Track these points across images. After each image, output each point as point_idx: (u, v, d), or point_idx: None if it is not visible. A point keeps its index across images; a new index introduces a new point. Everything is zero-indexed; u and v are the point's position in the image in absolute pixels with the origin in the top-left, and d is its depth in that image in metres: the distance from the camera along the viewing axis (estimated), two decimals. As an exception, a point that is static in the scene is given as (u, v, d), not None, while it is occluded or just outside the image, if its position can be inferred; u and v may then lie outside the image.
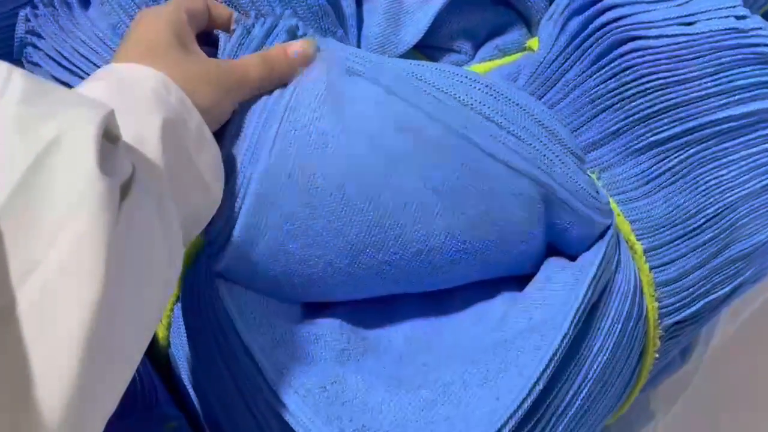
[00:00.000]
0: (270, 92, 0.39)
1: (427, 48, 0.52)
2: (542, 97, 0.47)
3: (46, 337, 0.22)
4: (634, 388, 0.49)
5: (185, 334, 0.44)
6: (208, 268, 0.41)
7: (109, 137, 0.26)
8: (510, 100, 0.42)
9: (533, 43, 0.51)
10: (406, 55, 0.51)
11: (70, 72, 0.44)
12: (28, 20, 0.45)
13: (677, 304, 0.47)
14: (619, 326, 0.42)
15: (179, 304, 0.45)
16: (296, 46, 0.39)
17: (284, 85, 0.39)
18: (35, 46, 0.45)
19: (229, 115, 0.38)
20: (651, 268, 0.45)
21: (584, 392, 0.40)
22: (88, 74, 0.41)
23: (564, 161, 0.43)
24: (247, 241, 0.39)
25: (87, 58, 0.43)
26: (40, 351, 0.22)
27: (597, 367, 0.41)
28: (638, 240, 0.45)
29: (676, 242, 0.46)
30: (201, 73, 0.35)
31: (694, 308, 0.48)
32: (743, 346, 0.75)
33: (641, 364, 0.47)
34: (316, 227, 0.38)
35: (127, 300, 0.25)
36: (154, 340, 0.46)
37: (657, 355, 0.48)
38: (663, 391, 0.67)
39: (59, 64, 0.44)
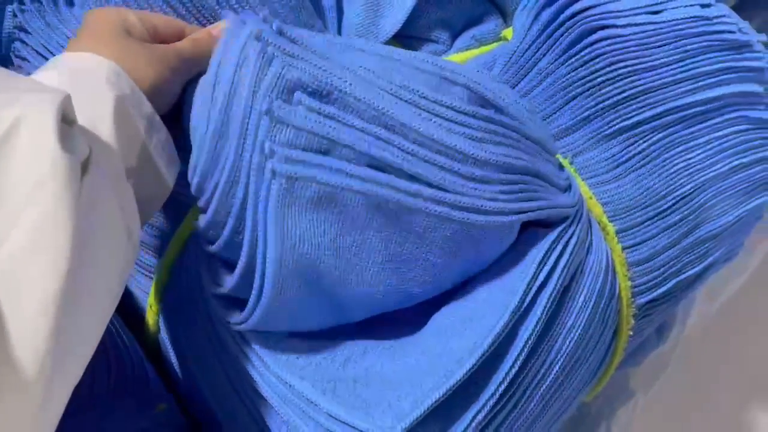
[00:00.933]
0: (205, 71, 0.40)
1: (406, 38, 0.53)
2: (516, 85, 0.48)
3: (16, 307, 0.23)
4: (609, 364, 0.50)
5: (175, 320, 0.46)
6: (197, 257, 0.42)
7: (66, 121, 0.27)
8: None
9: (508, 32, 0.53)
10: (385, 44, 0.51)
11: (58, 67, 0.44)
12: (15, 15, 0.46)
13: (649, 283, 0.48)
14: (591, 304, 0.43)
15: (169, 290, 0.46)
16: (219, 27, 0.41)
17: None
18: (23, 42, 0.46)
19: (177, 96, 0.39)
20: (623, 249, 0.47)
21: (557, 367, 0.42)
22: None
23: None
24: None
25: (73, 54, 0.44)
26: (11, 323, 0.23)
27: (570, 342, 0.42)
28: (610, 221, 0.47)
29: (646, 223, 0.47)
30: (145, 56, 0.37)
31: (666, 287, 0.49)
32: (721, 328, 0.77)
33: (616, 342, 0.49)
34: None
35: (89, 275, 0.26)
36: (145, 326, 0.47)
37: (631, 333, 0.49)
38: (643, 370, 0.69)
39: (46, 59, 0.44)
